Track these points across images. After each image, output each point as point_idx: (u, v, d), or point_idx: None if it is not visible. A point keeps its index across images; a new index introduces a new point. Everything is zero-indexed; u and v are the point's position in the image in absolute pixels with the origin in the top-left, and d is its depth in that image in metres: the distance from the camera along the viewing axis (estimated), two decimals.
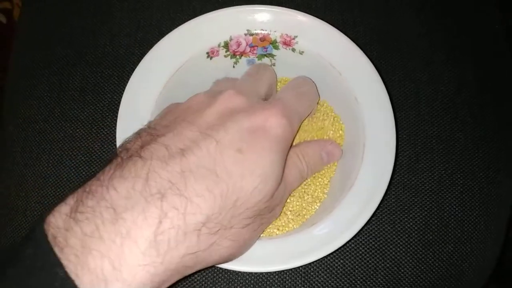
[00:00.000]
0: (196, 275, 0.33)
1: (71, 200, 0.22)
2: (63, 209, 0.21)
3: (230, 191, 0.23)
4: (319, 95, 0.33)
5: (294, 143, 0.33)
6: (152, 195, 0.22)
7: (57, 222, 0.21)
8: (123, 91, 0.32)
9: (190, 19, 0.34)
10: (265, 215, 0.27)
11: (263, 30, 0.34)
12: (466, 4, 0.43)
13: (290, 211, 0.32)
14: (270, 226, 0.31)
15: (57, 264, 0.20)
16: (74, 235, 0.20)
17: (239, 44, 0.34)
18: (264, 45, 0.34)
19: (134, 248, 0.21)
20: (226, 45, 0.34)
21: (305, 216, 0.32)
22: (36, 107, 0.39)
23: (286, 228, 0.31)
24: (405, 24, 0.41)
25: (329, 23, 0.33)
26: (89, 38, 0.40)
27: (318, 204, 0.32)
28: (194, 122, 0.25)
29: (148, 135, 0.25)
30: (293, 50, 0.34)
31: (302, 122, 0.33)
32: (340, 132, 0.34)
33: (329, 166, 0.33)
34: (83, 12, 0.42)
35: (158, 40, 0.34)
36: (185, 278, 0.33)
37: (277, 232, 0.31)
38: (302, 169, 0.30)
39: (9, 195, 0.37)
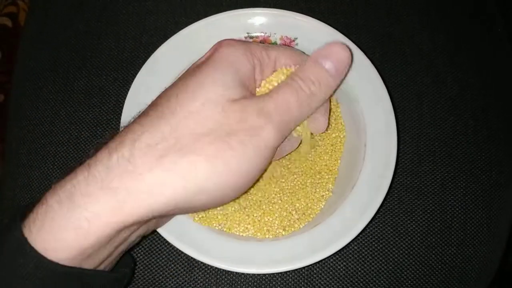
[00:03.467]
0: (199, 276, 0.34)
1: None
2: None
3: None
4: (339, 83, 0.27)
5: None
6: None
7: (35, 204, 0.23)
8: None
9: (194, 22, 0.34)
10: (239, 132, 0.23)
11: (263, 32, 0.34)
12: (469, 7, 0.43)
13: (296, 211, 0.32)
14: (276, 226, 0.31)
15: (18, 231, 0.22)
16: (42, 207, 0.22)
17: None
18: None
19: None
20: None
21: (311, 215, 0.32)
22: (42, 109, 0.39)
23: (292, 228, 0.31)
24: (408, 27, 0.42)
25: (332, 26, 0.34)
26: (94, 41, 0.41)
27: (323, 203, 0.32)
28: None
29: None
30: None
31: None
32: (343, 130, 0.34)
33: (333, 164, 0.33)
34: (88, 15, 0.42)
35: (163, 43, 0.34)
36: (188, 278, 0.34)
37: (283, 233, 0.31)
38: (296, 86, 0.25)
39: (14, 196, 0.37)
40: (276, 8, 0.34)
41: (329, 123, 0.32)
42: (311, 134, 0.29)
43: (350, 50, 0.26)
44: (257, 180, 0.33)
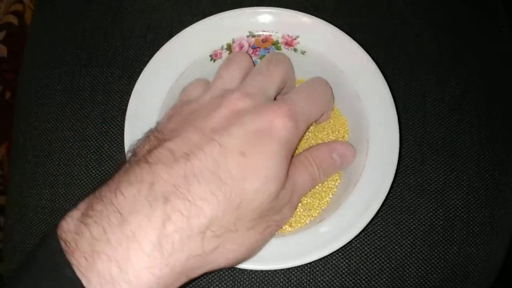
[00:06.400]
0: None
1: (82, 206, 0.23)
2: (75, 214, 0.23)
3: (233, 194, 0.24)
4: (333, 98, 0.33)
5: (302, 146, 0.34)
6: (157, 199, 0.22)
7: (69, 226, 0.22)
8: None
9: (198, 21, 0.34)
10: (271, 216, 0.27)
11: (264, 31, 0.34)
12: (473, 7, 0.43)
13: (302, 206, 0.32)
14: None
15: (66, 265, 0.21)
16: (83, 239, 0.21)
17: (241, 46, 0.34)
18: (266, 46, 0.35)
19: (139, 251, 0.21)
20: (229, 48, 0.34)
21: (317, 210, 0.32)
22: (48, 106, 0.39)
23: (299, 224, 0.32)
24: (413, 27, 0.42)
25: (336, 25, 0.34)
26: (100, 39, 0.41)
27: (329, 198, 0.32)
28: (200, 126, 0.26)
29: (156, 139, 0.26)
30: (295, 50, 0.34)
31: (311, 124, 0.33)
32: (344, 126, 0.35)
33: None
34: (94, 13, 0.42)
35: (167, 41, 0.34)
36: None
37: (289, 229, 0.31)
38: (312, 171, 0.30)
39: (20, 192, 0.38)
40: (280, 7, 0.34)
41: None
42: None
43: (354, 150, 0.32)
44: None
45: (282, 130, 0.26)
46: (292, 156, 0.29)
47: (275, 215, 0.27)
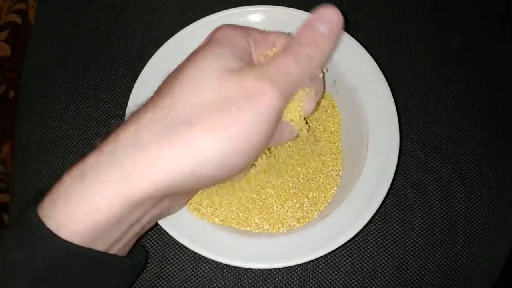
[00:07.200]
0: (205, 270, 0.34)
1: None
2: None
3: (171, 78, 0.25)
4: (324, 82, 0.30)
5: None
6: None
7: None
8: None
9: (199, 19, 0.34)
10: (238, 99, 0.23)
11: None
12: (477, 5, 0.43)
13: (309, 201, 0.32)
14: (291, 219, 0.32)
15: (33, 211, 0.23)
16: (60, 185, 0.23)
17: None
18: None
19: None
20: None
21: (323, 204, 0.32)
22: (52, 105, 0.40)
23: (307, 220, 0.32)
24: (415, 25, 0.42)
25: None
26: (103, 38, 0.41)
27: (333, 191, 0.33)
28: None
29: None
30: None
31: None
32: (337, 118, 0.35)
33: (337, 152, 0.34)
34: (97, 12, 0.42)
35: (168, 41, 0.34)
36: (195, 272, 0.34)
37: (298, 225, 0.32)
38: (295, 50, 0.26)
39: (24, 191, 0.38)
40: (283, 6, 0.34)
41: (317, 107, 0.32)
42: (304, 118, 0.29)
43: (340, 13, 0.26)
44: (268, 175, 0.33)
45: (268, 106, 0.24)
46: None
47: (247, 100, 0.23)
